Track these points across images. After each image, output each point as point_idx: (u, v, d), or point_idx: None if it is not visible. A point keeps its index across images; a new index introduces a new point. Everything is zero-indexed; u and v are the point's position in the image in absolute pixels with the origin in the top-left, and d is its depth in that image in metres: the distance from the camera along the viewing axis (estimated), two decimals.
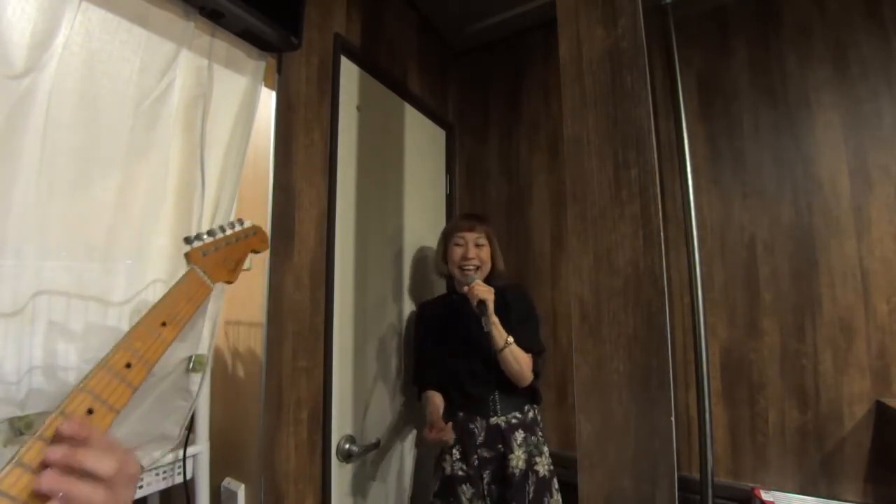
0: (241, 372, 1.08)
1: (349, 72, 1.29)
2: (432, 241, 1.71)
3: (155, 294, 0.77)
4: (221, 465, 0.97)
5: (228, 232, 0.66)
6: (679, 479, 0.58)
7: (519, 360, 1.14)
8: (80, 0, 0.67)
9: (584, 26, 0.70)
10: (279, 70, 1.05)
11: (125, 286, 0.73)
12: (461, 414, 1.23)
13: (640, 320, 0.60)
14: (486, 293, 1.13)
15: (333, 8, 1.23)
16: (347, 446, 1.17)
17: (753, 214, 1.38)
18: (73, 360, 0.65)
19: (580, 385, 0.64)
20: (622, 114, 0.65)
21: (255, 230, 0.72)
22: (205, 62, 0.86)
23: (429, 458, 1.55)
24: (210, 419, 0.91)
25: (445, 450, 1.23)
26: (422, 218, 1.63)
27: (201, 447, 0.88)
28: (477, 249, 1.28)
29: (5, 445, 0.59)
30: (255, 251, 0.72)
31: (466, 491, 1.17)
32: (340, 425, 1.17)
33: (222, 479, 1.00)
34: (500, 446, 1.17)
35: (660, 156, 1.47)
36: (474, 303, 1.14)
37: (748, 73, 1.43)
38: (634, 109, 0.64)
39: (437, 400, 1.28)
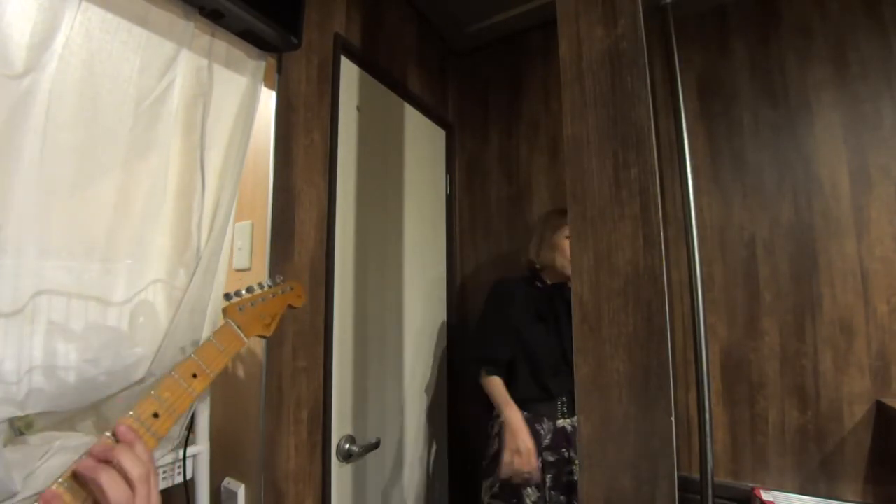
0: (241, 372, 1.08)
1: (349, 72, 1.29)
2: (432, 241, 1.71)
3: (155, 294, 0.77)
4: (221, 465, 0.97)
5: (266, 289, 0.70)
6: (679, 479, 0.58)
7: None
8: (80, 0, 0.67)
9: (583, 26, 0.70)
10: (279, 70, 1.05)
11: (125, 286, 0.73)
12: (526, 414, 1.19)
13: (640, 320, 0.60)
14: None
15: (333, 8, 1.23)
16: (347, 446, 1.17)
17: (753, 214, 1.38)
18: (73, 359, 0.65)
19: (580, 385, 0.64)
20: (622, 114, 0.65)
21: (293, 286, 0.76)
22: (205, 62, 0.86)
23: (428, 457, 1.55)
24: (210, 419, 0.91)
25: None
26: (422, 218, 1.63)
27: (201, 447, 0.88)
28: None
29: (5, 445, 0.59)
30: (292, 307, 0.76)
31: (532, 494, 1.13)
32: (340, 425, 1.17)
33: (222, 479, 1.00)
34: (563, 450, 1.14)
35: (660, 156, 1.47)
36: None
37: (748, 73, 1.43)
38: (634, 109, 0.64)
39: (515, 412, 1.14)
